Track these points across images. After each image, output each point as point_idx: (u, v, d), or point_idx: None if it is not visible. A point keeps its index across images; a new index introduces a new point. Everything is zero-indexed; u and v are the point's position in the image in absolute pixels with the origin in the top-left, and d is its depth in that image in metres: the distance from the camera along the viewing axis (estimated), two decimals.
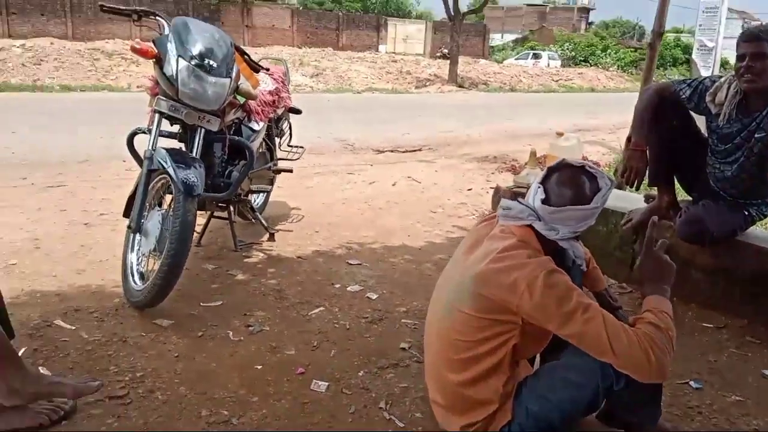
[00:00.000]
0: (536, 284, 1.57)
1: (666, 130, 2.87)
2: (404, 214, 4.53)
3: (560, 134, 4.28)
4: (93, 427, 1.84)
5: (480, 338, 1.67)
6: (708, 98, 2.70)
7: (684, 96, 2.77)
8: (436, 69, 22.01)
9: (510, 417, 1.71)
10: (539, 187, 1.75)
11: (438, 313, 1.83)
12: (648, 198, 3.30)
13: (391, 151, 7.38)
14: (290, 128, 4.31)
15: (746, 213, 2.81)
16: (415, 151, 7.53)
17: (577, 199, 1.69)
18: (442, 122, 10.22)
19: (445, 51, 25.38)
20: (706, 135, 2.86)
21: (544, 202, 1.72)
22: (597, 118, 11.78)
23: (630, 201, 3.43)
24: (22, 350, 2.21)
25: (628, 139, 2.92)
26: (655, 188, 3.14)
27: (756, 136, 2.60)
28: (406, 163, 6.67)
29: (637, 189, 3.14)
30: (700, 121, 2.92)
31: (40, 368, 2.11)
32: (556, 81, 23.61)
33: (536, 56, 31.60)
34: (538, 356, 1.94)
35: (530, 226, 1.73)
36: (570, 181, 1.72)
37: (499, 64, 28.32)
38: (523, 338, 1.68)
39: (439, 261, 3.51)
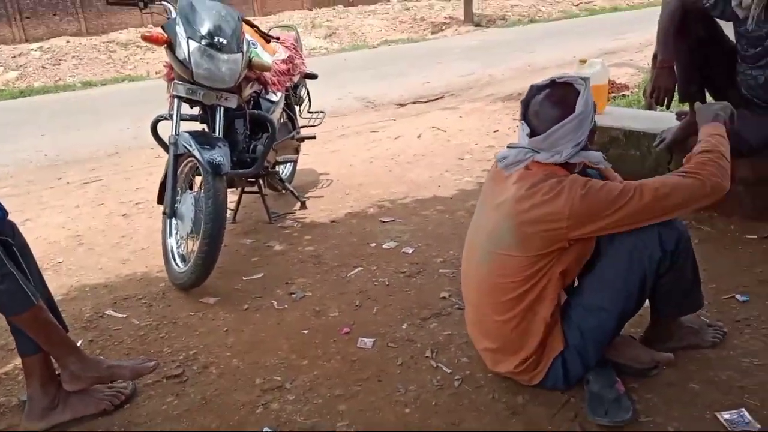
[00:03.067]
0: (577, 202, 1.59)
1: (692, 43, 2.76)
2: (432, 165, 4.50)
3: (583, 61, 4.12)
4: (154, 407, 1.93)
5: (526, 275, 1.68)
6: (734, 3, 2.57)
7: (708, 4, 2.64)
8: (450, 11, 21.37)
9: (562, 346, 1.73)
10: (522, 123, 1.72)
11: (475, 261, 1.83)
12: (680, 115, 3.18)
13: (413, 103, 7.28)
14: (308, 94, 4.28)
15: None
16: (437, 99, 7.40)
17: (561, 114, 1.65)
18: (462, 65, 9.99)
19: None
20: (735, 41, 2.74)
21: (531, 135, 1.69)
22: (623, 39, 11.31)
23: (661, 121, 3.32)
24: (79, 342, 2.31)
25: (655, 57, 2.82)
26: (687, 104, 3.02)
27: None
28: (429, 113, 6.58)
29: (668, 107, 3.04)
30: (727, 29, 2.79)
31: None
32: (577, 5, 22.63)
33: None
34: None
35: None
36: (546, 101, 1.69)
37: None
38: (568, 263, 1.69)
39: (470, 208, 3.50)
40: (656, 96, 2.77)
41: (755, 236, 2.74)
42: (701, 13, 2.67)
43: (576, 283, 1.86)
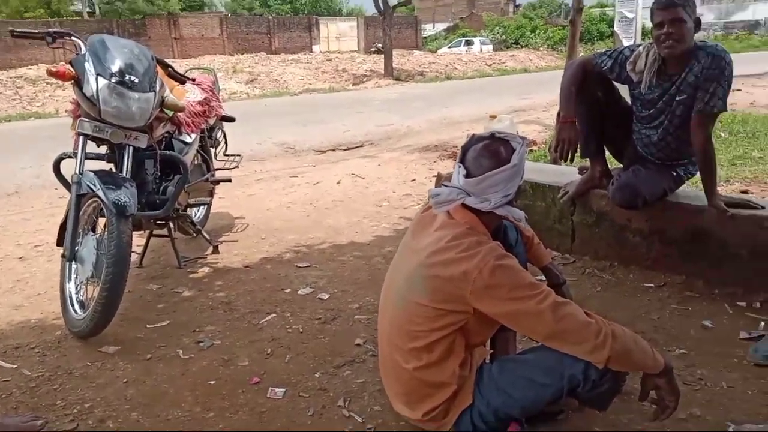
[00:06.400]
0: (486, 271, 1.59)
1: (592, 102, 2.95)
2: (350, 211, 4.52)
3: (493, 117, 4.36)
4: None
5: (434, 327, 1.69)
6: (629, 67, 2.78)
7: (606, 67, 2.84)
8: (371, 64, 22.03)
9: (471, 401, 1.73)
10: (459, 166, 1.77)
11: (390, 305, 1.82)
12: (582, 170, 3.39)
13: (333, 150, 7.35)
14: (225, 137, 4.23)
15: (674, 174, 2.92)
16: (356, 147, 7.52)
17: (496, 164, 1.72)
18: (381, 116, 10.24)
19: (379, 45, 25.42)
20: (630, 103, 2.96)
21: (466, 177, 1.74)
22: (531, 98, 12.02)
23: (565, 175, 3.51)
24: None
25: (558, 114, 2.98)
26: (588, 160, 3.22)
27: (677, 98, 2.69)
28: (348, 160, 6.65)
29: (571, 161, 3.22)
30: (624, 91, 3.02)
31: None
32: (490, 65, 23.95)
33: (468, 43, 31.99)
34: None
35: (470, 210, 1.74)
36: (484, 150, 1.75)
37: (433, 53, 28.56)
38: (477, 326, 1.71)
39: (387, 254, 3.52)
40: (560, 149, 2.92)
41: (652, 285, 2.91)
42: (600, 76, 2.88)
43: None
